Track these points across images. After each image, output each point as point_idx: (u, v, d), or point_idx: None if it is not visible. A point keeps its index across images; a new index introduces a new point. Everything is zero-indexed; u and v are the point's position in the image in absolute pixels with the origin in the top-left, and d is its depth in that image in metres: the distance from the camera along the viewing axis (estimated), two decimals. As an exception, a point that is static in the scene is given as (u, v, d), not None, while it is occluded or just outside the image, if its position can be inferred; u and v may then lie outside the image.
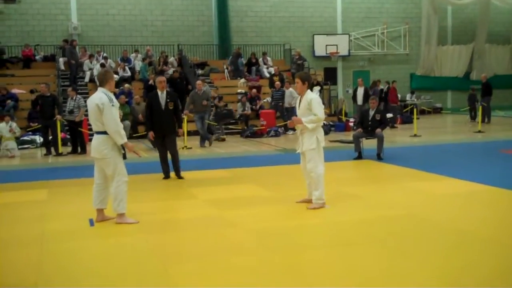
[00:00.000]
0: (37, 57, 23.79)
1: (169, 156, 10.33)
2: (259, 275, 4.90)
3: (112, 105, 6.70)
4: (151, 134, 10.22)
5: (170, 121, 10.20)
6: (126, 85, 20.93)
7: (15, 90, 20.27)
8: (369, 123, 12.53)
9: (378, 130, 12.32)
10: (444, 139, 16.92)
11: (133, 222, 6.85)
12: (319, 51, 28.99)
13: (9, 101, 19.28)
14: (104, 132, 6.73)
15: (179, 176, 10.27)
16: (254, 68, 24.81)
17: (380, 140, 12.29)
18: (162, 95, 10.17)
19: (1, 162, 14.11)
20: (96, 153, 6.84)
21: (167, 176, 10.27)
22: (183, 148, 15.60)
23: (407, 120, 23.12)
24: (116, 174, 6.80)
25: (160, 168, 10.34)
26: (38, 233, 6.54)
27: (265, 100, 21.77)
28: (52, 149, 15.06)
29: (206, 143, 16.25)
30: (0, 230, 6.86)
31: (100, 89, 6.89)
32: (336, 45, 29.10)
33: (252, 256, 5.46)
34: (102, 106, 6.64)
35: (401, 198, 8.19)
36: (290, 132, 19.78)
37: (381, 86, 24.51)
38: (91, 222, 6.98)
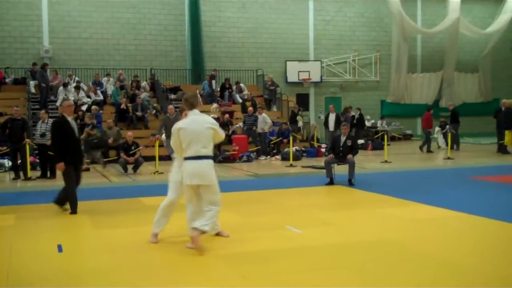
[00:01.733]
0: (7, 80, 23.51)
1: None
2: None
3: None
4: (62, 166, 9.27)
5: (80, 149, 9.83)
6: (94, 107, 20.75)
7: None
8: (341, 149, 12.63)
9: (350, 156, 12.42)
10: (415, 166, 17.13)
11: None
12: (292, 77, 29.26)
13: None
14: (211, 157, 6.53)
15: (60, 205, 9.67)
16: (227, 93, 24.90)
17: (352, 166, 12.38)
18: (72, 122, 9.53)
19: (-32, 186, 13.84)
20: (207, 180, 6.48)
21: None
22: (154, 173, 15.50)
23: (378, 146, 23.34)
24: (217, 197, 6.63)
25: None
26: (5, 259, 6.40)
27: (237, 125, 21.82)
28: (21, 173, 14.82)
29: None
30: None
31: (196, 111, 6.66)
32: (309, 71, 29.43)
33: (222, 283, 5.42)
34: (216, 127, 6.54)
35: (372, 224, 8.23)
36: (262, 158, 19.84)
37: (353, 113, 24.81)
38: (60, 248, 6.86)
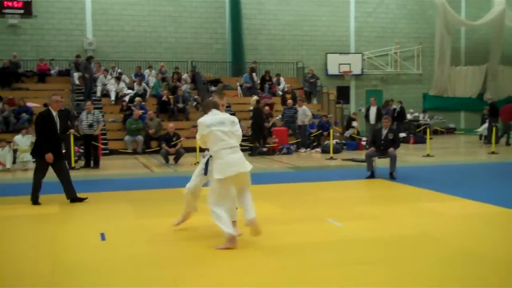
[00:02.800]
0: (52, 72, 24.00)
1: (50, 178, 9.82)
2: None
3: None
4: (50, 156, 9.34)
5: (61, 142, 9.84)
6: (137, 99, 21.03)
7: (30, 104, 20.43)
8: (382, 142, 12.48)
9: (391, 149, 12.27)
10: (458, 160, 16.82)
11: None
12: (332, 69, 29.05)
13: (24, 114, 19.44)
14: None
15: (76, 198, 9.69)
16: (267, 85, 24.86)
17: (393, 160, 12.23)
18: (56, 116, 9.51)
19: (16, 175, 14.19)
20: (248, 167, 6.67)
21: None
22: (195, 164, 15.60)
23: (420, 140, 23.03)
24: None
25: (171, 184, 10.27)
26: (50, 246, 6.54)
27: (277, 118, 21.78)
28: (65, 163, 15.08)
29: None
30: (12, 243, 6.88)
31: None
32: (349, 64, 29.16)
33: (263, 274, 5.42)
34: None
35: (413, 218, 8.11)
36: (302, 150, 19.76)
37: (394, 106, 24.49)
38: (103, 237, 6.97)
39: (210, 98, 7.19)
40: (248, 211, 6.51)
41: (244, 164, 6.59)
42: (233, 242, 6.32)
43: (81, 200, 9.66)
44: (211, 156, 6.64)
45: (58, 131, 9.60)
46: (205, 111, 6.73)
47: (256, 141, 19.19)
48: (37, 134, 9.72)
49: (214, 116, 6.60)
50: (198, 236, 6.99)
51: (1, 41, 24.55)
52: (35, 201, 9.46)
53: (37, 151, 9.61)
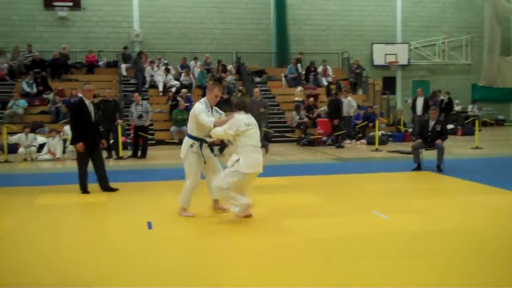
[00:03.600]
0: (100, 63, 24.43)
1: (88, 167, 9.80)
2: (312, 286, 4.85)
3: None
4: (81, 146, 9.46)
5: (97, 132, 9.81)
6: (184, 90, 21.20)
7: (80, 94, 20.80)
8: (429, 134, 12.25)
9: (439, 141, 12.03)
10: (507, 152, 16.36)
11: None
12: (378, 60, 28.66)
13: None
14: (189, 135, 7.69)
15: (109, 188, 9.80)
16: (312, 76, 24.71)
17: (440, 152, 11.99)
18: (90, 105, 9.60)
19: (66, 164, 14.53)
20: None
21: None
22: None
23: (468, 132, 22.53)
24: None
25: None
26: (98, 234, 6.68)
27: (322, 109, 21.63)
28: (113, 153, 15.38)
29: (263, 150, 16.20)
30: (61, 230, 7.05)
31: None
32: (396, 54, 28.71)
33: (307, 266, 5.40)
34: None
35: (461, 211, 7.96)
36: (347, 141, 19.59)
37: (441, 97, 24.04)
38: (149, 225, 7.07)
39: (243, 99, 7.59)
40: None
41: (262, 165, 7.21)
42: (248, 208, 7.18)
43: (113, 190, 9.77)
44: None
45: (93, 120, 9.62)
46: (240, 109, 7.23)
47: (333, 132, 18.92)
48: (70, 124, 9.86)
49: (248, 116, 7.20)
50: (243, 228, 7.01)
51: (51, 33, 25.12)
52: (84, 189, 9.62)
53: (73, 140, 9.75)
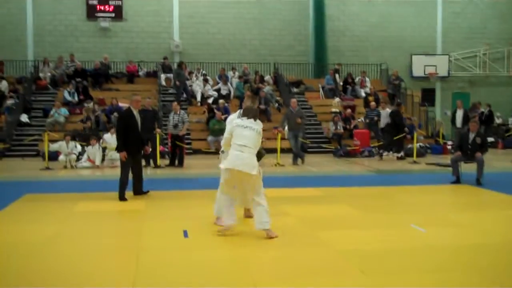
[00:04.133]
0: (140, 73, 24.82)
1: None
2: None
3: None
4: (124, 155, 9.72)
5: (141, 141, 10.26)
6: (221, 101, 21.33)
7: (121, 104, 21.15)
8: (469, 146, 12.05)
9: (478, 154, 11.82)
10: (550, 166, 15.97)
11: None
12: (417, 71, 28.35)
13: (115, 113, 20.12)
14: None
15: (143, 192, 10.24)
16: (349, 87, 24.59)
17: (480, 165, 11.78)
18: (137, 115, 10.04)
19: (105, 172, 14.76)
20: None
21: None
22: (275, 165, 15.67)
23: (509, 145, 22.10)
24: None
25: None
26: (135, 242, 6.76)
27: (359, 120, 21.49)
28: (151, 161, 15.56)
29: (299, 161, 16.24)
30: (100, 237, 7.16)
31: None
32: (435, 65, 28.36)
33: (340, 278, 5.37)
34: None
35: (501, 226, 7.79)
36: (385, 153, 19.39)
37: (482, 109, 23.62)
38: (185, 234, 7.12)
39: (248, 106, 7.56)
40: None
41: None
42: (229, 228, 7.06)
43: (145, 193, 10.18)
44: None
45: (139, 129, 10.00)
46: (243, 115, 7.28)
47: (389, 145, 18.53)
48: (116, 132, 10.20)
49: (246, 119, 7.23)
50: (278, 239, 6.99)
51: (93, 43, 25.67)
52: (122, 197, 9.80)
53: (118, 148, 10.14)
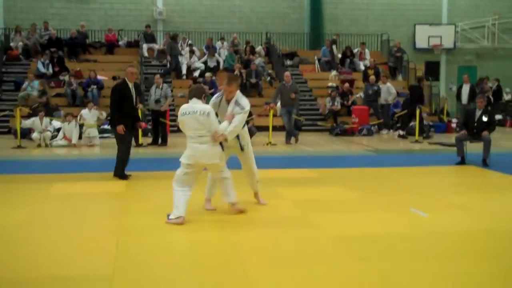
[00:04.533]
0: (120, 43, 24.63)
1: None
2: (343, 286, 4.86)
3: None
4: (121, 128, 9.88)
5: (137, 115, 10.44)
6: (207, 74, 21.22)
7: (100, 76, 21.01)
8: (475, 124, 12.10)
9: (485, 132, 11.87)
10: (562, 146, 16.09)
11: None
12: (421, 43, 28.31)
13: (93, 87, 20.01)
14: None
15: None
16: (348, 60, 24.55)
17: (487, 144, 11.84)
18: (132, 88, 10.15)
19: (82, 151, 14.72)
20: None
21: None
22: (267, 144, 15.68)
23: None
24: None
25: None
26: (116, 226, 6.76)
27: (358, 95, 21.50)
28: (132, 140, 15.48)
29: (292, 139, 16.25)
30: (77, 220, 7.16)
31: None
32: (440, 36, 28.31)
33: (337, 265, 5.40)
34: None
35: (509, 210, 7.87)
36: (385, 132, 19.46)
37: (489, 84, 23.67)
38: (169, 217, 7.12)
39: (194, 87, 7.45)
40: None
41: None
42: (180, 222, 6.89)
43: (126, 177, 10.05)
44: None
45: (134, 103, 10.14)
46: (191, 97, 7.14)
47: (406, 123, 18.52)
48: (111, 106, 10.22)
49: (192, 102, 7.09)
50: (270, 223, 7.03)
51: (68, 10, 25.39)
52: (122, 175, 9.98)
53: (113, 122, 10.20)
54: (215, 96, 7.76)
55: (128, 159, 10.18)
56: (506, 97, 26.36)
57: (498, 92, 23.84)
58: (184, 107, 7.05)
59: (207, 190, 7.74)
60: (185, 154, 7.12)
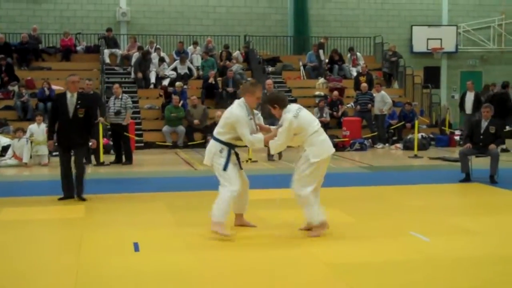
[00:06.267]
0: (78, 48, 24.54)
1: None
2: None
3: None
4: (50, 144, 10.33)
5: (79, 131, 10.08)
6: (178, 83, 21.19)
7: (55, 86, 20.86)
8: (481, 137, 12.20)
9: (492, 146, 11.97)
10: None
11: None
12: (419, 46, 28.57)
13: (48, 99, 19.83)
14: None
15: (80, 197, 10.12)
16: (336, 66, 24.68)
17: (495, 159, 11.93)
18: (71, 99, 9.98)
19: (32, 171, 14.58)
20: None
21: (67, 196, 10.10)
22: (247, 161, 15.64)
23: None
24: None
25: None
26: (74, 259, 6.67)
27: (349, 105, 21.61)
28: (92, 158, 15.40)
29: (275, 156, 16.24)
30: (31, 253, 7.06)
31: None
32: (440, 39, 28.61)
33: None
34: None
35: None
36: (379, 146, 19.56)
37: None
38: (136, 247, 7.06)
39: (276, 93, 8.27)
40: None
41: None
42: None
43: (83, 199, 10.06)
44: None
45: (71, 116, 9.95)
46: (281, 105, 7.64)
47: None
48: (48, 118, 10.28)
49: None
50: (254, 248, 7.01)
51: (19, 11, 25.28)
52: (63, 194, 10.08)
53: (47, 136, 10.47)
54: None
55: (67, 182, 10.10)
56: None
57: (506, 101, 24.04)
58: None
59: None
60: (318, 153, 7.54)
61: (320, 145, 7.58)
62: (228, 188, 7.41)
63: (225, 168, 7.44)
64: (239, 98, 8.09)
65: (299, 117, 7.50)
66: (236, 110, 7.59)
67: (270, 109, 7.73)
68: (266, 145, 7.76)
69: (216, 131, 7.71)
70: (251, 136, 7.57)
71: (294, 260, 6.56)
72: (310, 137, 7.55)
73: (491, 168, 12.00)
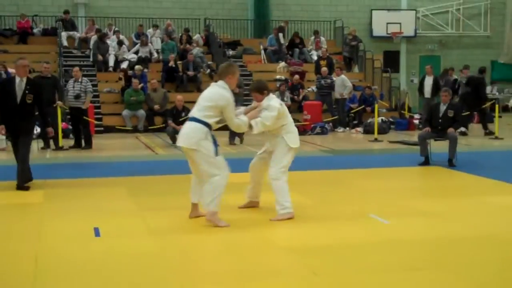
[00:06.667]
0: (35, 30, 24.16)
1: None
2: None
3: None
4: (1, 128, 9.81)
5: (26, 118, 9.86)
6: (137, 67, 21.03)
7: (11, 70, 20.51)
8: (440, 121, 12.34)
9: (451, 129, 12.12)
10: (533, 144, 16.60)
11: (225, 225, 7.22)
12: (378, 30, 28.76)
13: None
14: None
15: (21, 186, 9.74)
16: (297, 50, 24.72)
17: (453, 142, 12.09)
18: (20, 84, 9.70)
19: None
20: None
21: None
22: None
23: (488, 119, 22.70)
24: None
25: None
26: (33, 245, 6.61)
27: (309, 89, 21.67)
28: (51, 142, 15.22)
29: (237, 140, 16.26)
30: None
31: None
32: (400, 23, 28.82)
33: (288, 280, 5.43)
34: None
35: (477, 215, 8.04)
36: (340, 130, 19.69)
37: (455, 76, 24.20)
38: (97, 232, 7.03)
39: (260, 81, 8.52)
40: None
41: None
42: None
43: (27, 188, 9.76)
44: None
45: (18, 101, 9.69)
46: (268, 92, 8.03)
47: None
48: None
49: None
50: (213, 232, 7.01)
51: (-27, -8, 24.77)
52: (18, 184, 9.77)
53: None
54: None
55: (22, 169, 9.81)
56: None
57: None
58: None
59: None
60: (295, 141, 7.81)
61: (295, 133, 7.90)
62: (222, 175, 7.24)
63: (217, 154, 7.36)
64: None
65: (282, 105, 7.88)
66: (227, 93, 7.45)
67: (256, 95, 8.01)
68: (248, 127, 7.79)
69: (202, 114, 7.53)
70: (238, 119, 7.61)
71: (253, 243, 6.60)
72: (288, 125, 7.83)
73: (449, 151, 12.11)
